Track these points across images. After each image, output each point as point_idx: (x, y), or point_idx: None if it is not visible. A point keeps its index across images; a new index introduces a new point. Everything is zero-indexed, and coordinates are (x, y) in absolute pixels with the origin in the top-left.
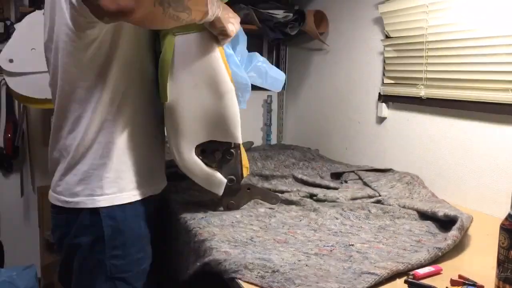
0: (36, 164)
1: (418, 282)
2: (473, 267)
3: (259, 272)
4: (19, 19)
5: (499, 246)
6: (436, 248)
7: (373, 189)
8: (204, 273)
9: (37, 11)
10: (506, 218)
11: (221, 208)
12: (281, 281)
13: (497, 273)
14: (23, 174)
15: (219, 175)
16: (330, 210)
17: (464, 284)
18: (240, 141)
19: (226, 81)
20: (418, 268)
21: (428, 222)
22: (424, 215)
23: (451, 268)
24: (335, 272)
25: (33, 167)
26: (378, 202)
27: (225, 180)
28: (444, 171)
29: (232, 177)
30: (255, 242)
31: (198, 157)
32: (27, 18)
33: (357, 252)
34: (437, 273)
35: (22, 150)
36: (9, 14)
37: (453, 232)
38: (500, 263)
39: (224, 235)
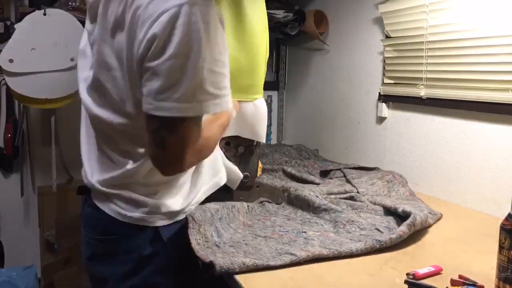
0: (36, 164)
1: (418, 282)
2: (473, 267)
3: (204, 243)
4: (19, 19)
5: (499, 246)
6: (376, 240)
7: (353, 185)
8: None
9: (37, 11)
10: (506, 218)
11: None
12: (209, 252)
13: (497, 273)
14: (23, 174)
15: (237, 169)
16: (306, 203)
17: (464, 284)
18: (264, 140)
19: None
20: (347, 256)
21: (390, 218)
22: (389, 211)
23: (451, 268)
24: (265, 251)
25: (33, 167)
26: (351, 198)
27: (241, 175)
28: (444, 171)
29: (247, 173)
30: (229, 217)
31: (221, 149)
32: (27, 18)
33: (304, 238)
34: (437, 273)
35: (22, 150)
36: (9, 14)
37: (401, 228)
38: (500, 263)
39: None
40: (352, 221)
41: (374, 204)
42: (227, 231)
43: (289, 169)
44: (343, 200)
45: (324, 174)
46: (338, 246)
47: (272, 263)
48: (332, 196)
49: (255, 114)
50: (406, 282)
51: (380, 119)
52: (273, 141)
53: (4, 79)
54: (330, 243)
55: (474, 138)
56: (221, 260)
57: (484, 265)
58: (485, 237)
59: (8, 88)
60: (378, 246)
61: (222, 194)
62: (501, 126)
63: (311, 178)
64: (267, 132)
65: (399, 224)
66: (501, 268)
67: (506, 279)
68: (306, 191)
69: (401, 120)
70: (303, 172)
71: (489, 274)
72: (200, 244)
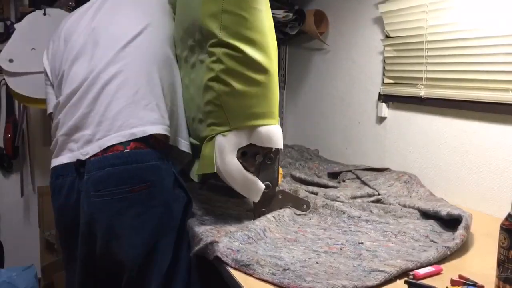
0: (36, 164)
1: (418, 282)
2: (473, 267)
3: (270, 269)
4: (19, 19)
5: (499, 246)
6: (445, 247)
7: (371, 187)
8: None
9: (37, 11)
10: (506, 218)
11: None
12: (292, 278)
13: (497, 273)
14: (23, 174)
15: (257, 180)
16: (336, 209)
17: (464, 284)
18: (281, 146)
19: None
20: (427, 266)
21: (431, 221)
22: (425, 214)
23: (451, 268)
24: (345, 269)
25: (33, 167)
26: (378, 201)
27: (263, 186)
28: (444, 171)
29: (268, 183)
30: (266, 237)
31: (238, 160)
32: (27, 18)
33: (366, 250)
34: (437, 273)
35: (22, 150)
36: (9, 14)
37: (461, 231)
38: (500, 263)
39: (239, 226)
40: (404, 232)
41: (404, 206)
42: (280, 252)
43: (297, 174)
44: (374, 204)
45: (332, 176)
46: (410, 257)
47: (369, 283)
48: (359, 200)
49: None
50: (406, 282)
51: (380, 119)
52: None
53: (4, 79)
54: (400, 254)
55: (474, 138)
56: (320, 286)
57: (484, 265)
58: (485, 237)
59: (8, 88)
60: (449, 252)
61: (236, 208)
62: (501, 126)
63: (324, 181)
64: None
65: (441, 227)
66: (501, 268)
67: (506, 279)
68: (337, 203)
69: (401, 120)
70: (313, 176)
71: (489, 274)
72: (276, 274)
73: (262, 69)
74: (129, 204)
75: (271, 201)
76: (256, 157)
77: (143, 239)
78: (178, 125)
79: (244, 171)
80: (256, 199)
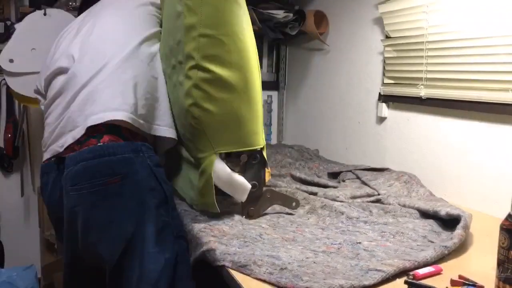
0: (36, 164)
1: (418, 282)
2: (473, 267)
3: (267, 269)
4: (19, 19)
5: (499, 246)
6: (443, 246)
7: (371, 187)
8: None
9: (37, 11)
10: (506, 218)
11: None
12: (289, 277)
13: (497, 273)
14: (23, 174)
15: (243, 179)
16: (334, 210)
17: (464, 284)
18: (260, 144)
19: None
20: (424, 266)
21: (431, 221)
22: (425, 214)
23: (451, 268)
24: (342, 269)
25: (33, 167)
26: (378, 201)
27: (249, 186)
28: (444, 171)
29: (255, 182)
30: (263, 239)
31: (223, 161)
32: (27, 18)
33: (364, 250)
34: (437, 273)
35: (22, 150)
36: (9, 14)
37: (459, 231)
38: (500, 263)
39: (234, 234)
40: (402, 232)
41: (404, 206)
42: (278, 252)
43: (297, 174)
44: (373, 204)
45: (332, 176)
46: (408, 256)
47: (366, 282)
48: (359, 200)
49: None
50: (406, 282)
51: (380, 119)
52: (273, 141)
53: (4, 79)
54: (398, 254)
55: (474, 138)
56: (317, 286)
57: (484, 265)
58: (485, 237)
59: (8, 88)
60: (446, 252)
61: (230, 206)
62: (501, 126)
63: (323, 181)
64: (267, 132)
65: (441, 227)
66: (501, 269)
67: (506, 279)
68: (336, 203)
69: (401, 120)
70: (313, 176)
71: (489, 274)
72: (273, 273)
73: (237, 90)
74: (103, 197)
75: (258, 200)
76: (241, 157)
77: (117, 232)
78: (156, 113)
79: (229, 170)
80: (243, 199)
